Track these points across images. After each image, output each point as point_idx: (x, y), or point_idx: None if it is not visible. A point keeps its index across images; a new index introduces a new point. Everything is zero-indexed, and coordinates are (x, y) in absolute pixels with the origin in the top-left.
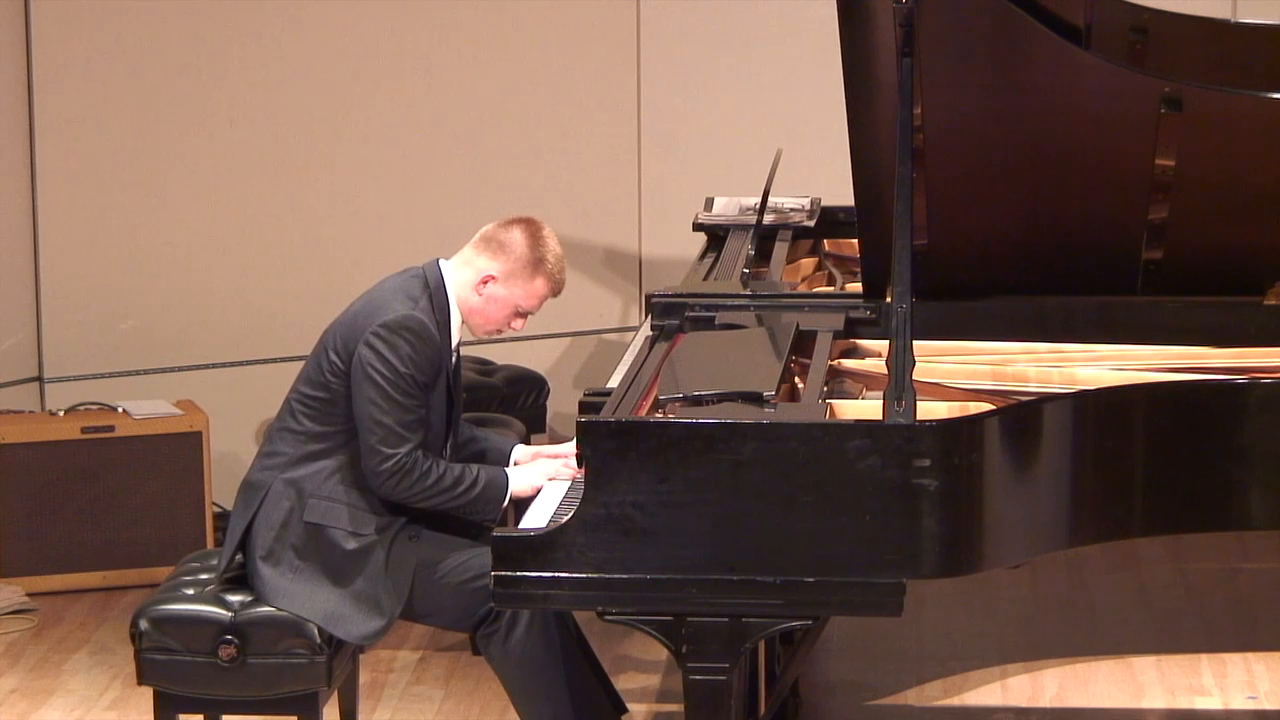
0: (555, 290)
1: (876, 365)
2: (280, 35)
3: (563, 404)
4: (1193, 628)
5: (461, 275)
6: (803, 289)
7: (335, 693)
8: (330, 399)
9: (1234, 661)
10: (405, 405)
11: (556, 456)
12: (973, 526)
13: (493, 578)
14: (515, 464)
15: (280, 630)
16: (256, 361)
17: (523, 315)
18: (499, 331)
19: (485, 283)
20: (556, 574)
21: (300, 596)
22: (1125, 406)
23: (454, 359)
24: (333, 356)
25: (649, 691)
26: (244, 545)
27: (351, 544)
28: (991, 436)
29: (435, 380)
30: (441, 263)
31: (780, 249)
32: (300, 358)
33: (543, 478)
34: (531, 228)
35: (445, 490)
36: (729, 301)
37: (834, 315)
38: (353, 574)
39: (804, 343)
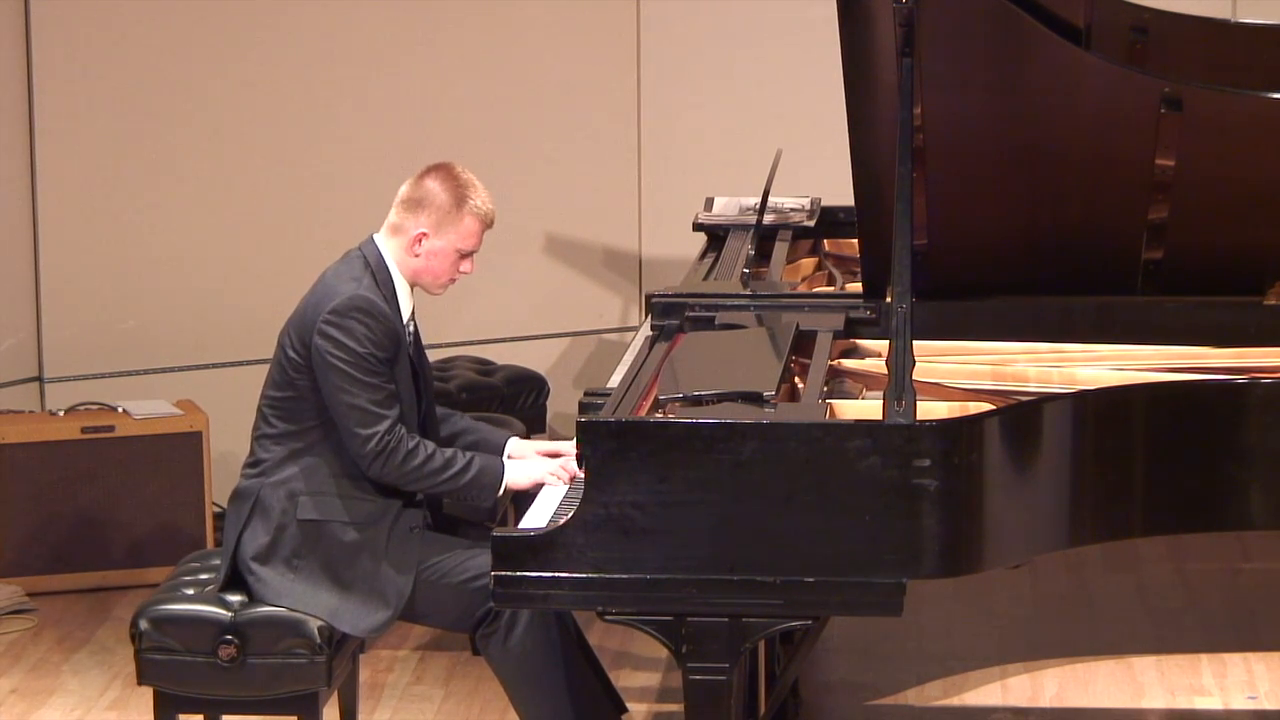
0: (486, 221)
1: (876, 365)
2: (279, 37)
3: (563, 404)
4: (1193, 628)
5: (395, 243)
6: (803, 289)
7: (335, 693)
8: (298, 396)
9: (1234, 661)
10: (372, 384)
11: (555, 455)
12: (973, 526)
13: (493, 578)
14: (509, 458)
15: (280, 630)
16: (256, 361)
17: (467, 256)
18: (452, 281)
19: (419, 241)
20: (556, 574)
21: (303, 595)
22: (1125, 406)
23: (410, 331)
24: (291, 354)
25: (649, 691)
26: (240, 553)
27: (350, 535)
28: (991, 436)
29: (396, 354)
30: (375, 237)
31: (780, 249)
32: None
33: (542, 473)
34: (443, 172)
35: (435, 472)
36: (729, 301)
37: (834, 315)
38: (354, 567)
39: (804, 343)
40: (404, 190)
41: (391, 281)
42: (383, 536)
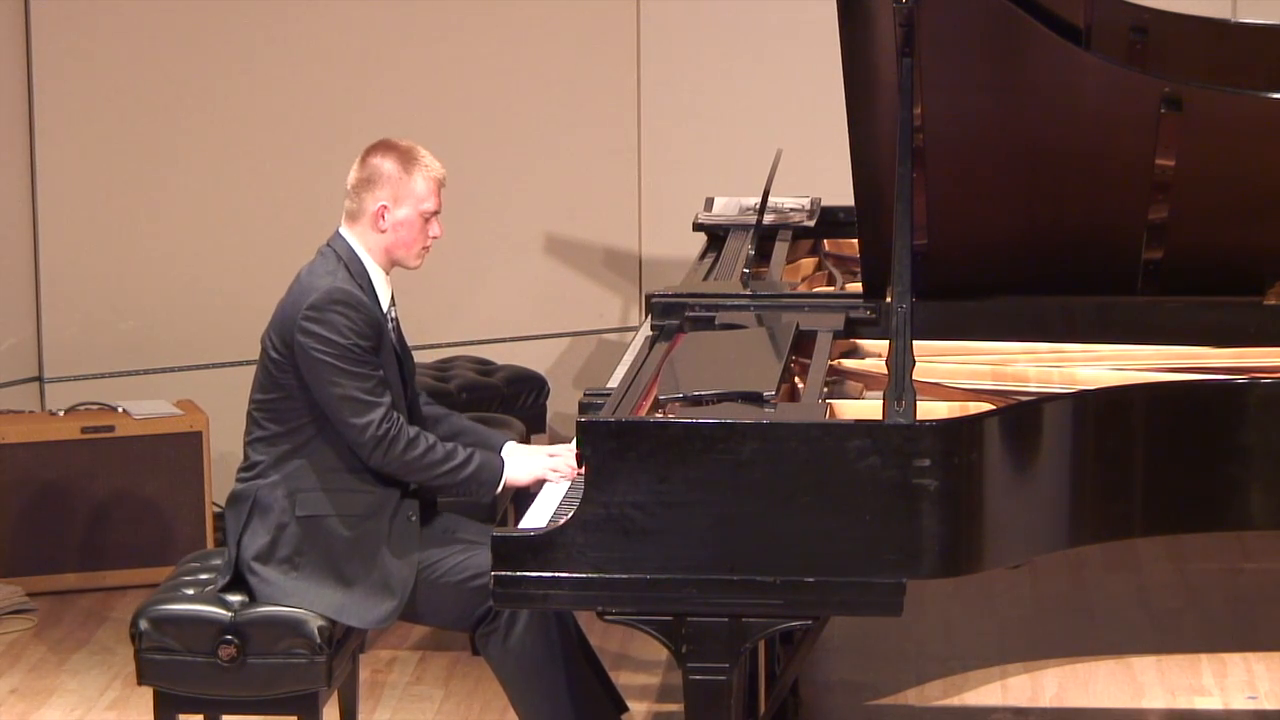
0: (439, 177)
1: (876, 365)
2: (280, 36)
3: (563, 404)
4: (1193, 628)
5: (360, 228)
6: (803, 289)
7: (335, 693)
8: (286, 395)
9: (1234, 661)
10: (360, 374)
11: (554, 456)
12: (973, 526)
13: (493, 578)
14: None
15: (280, 630)
16: (256, 361)
17: (430, 217)
18: (426, 249)
19: (381, 216)
20: (556, 574)
21: (307, 593)
22: (1125, 406)
23: (390, 319)
24: (274, 355)
25: (649, 690)
26: (242, 556)
27: (350, 529)
28: (991, 436)
29: (379, 342)
30: (341, 230)
31: (780, 249)
32: None
33: (542, 469)
34: (383, 146)
35: (435, 464)
36: (729, 301)
37: (834, 315)
38: (356, 561)
39: (804, 343)
40: (352, 176)
41: (366, 271)
42: (383, 528)
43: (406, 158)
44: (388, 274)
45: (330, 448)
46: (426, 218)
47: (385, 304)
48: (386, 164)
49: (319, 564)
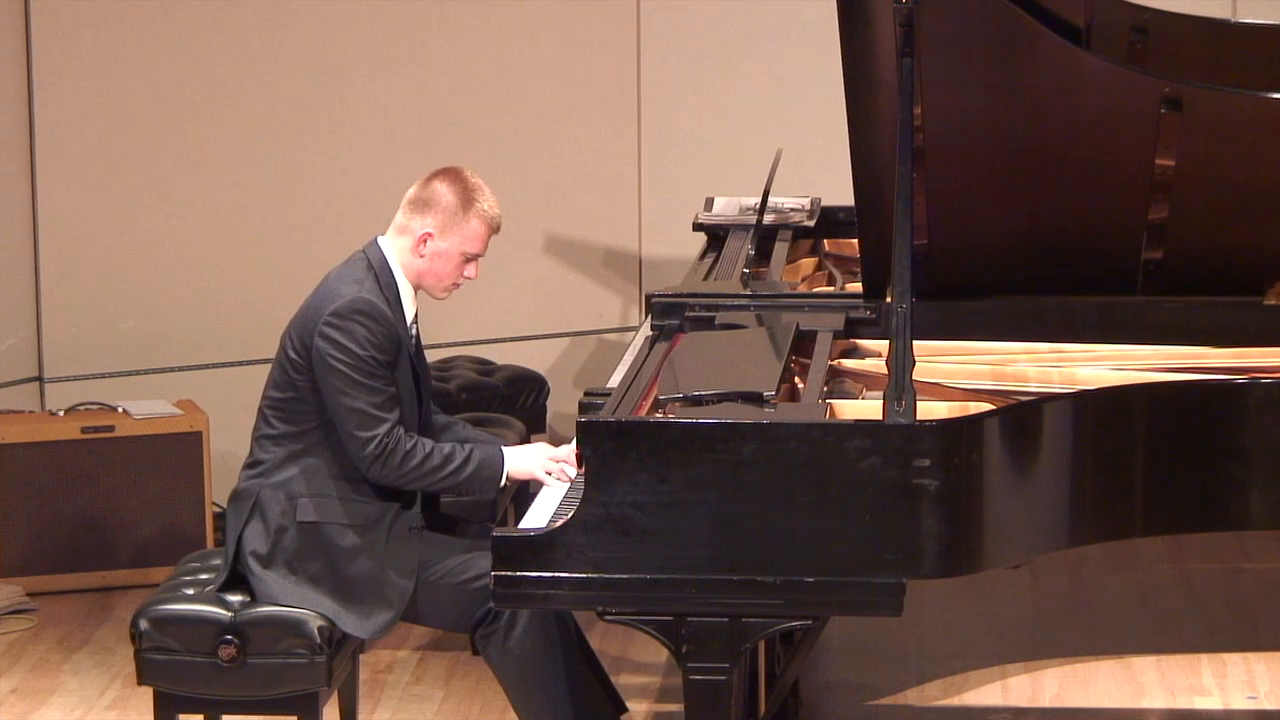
0: (493, 225)
1: (876, 365)
2: (280, 36)
3: (563, 404)
4: (1193, 628)
5: (400, 244)
6: (803, 289)
7: (335, 693)
8: (299, 397)
9: (1234, 661)
10: (373, 387)
11: (555, 460)
12: (973, 526)
13: (493, 578)
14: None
15: (280, 630)
16: (256, 361)
17: (471, 260)
18: (456, 285)
19: (424, 242)
20: (556, 574)
21: (304, 599)
22: (1125, 406)
23: (412, 334)
24: (292, 355)
25: (649, 691)
26: (241, 553)
27: (350, 538)
28: (991, 436)
29: (397, 358)
30: (380, 239)
31: (780, 249)
32: None
33: (540, 467)
34: (452, 175)
35: (435, 469)
36: (729, 301)
37: (834, 315)
38: (355, 569)
39: (804, 343)
40: (412, 191)
41: (395, 284)
42: (383, 538)
43: (468, 195)
44: (416, 291)
45: (336, 454)
46: (467, 259)
47: (410, 318)
48: (448, 195)
49: (317, 571)
